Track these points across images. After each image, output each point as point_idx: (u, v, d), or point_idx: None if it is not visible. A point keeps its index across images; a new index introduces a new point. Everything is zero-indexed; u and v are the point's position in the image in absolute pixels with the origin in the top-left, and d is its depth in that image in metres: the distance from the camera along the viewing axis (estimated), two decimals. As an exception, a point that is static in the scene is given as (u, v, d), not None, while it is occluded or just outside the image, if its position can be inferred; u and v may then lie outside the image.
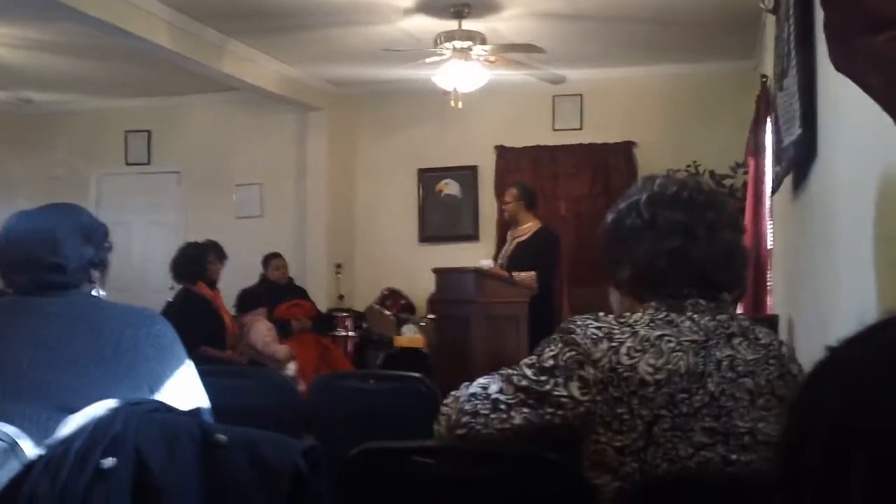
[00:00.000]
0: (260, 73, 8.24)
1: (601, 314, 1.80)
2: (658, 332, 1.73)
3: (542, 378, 1.75)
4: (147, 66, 8.16)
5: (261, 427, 1.94)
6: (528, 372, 1.78)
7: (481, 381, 1.89)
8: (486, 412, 1.81)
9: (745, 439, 1.68)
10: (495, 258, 7.50)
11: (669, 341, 1.71)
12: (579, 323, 1.78)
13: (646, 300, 1.83)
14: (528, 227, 6.89)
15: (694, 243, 1.81)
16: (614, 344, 1.72)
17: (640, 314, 1.78)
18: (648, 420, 1.68)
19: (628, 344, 1.72)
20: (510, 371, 1.83)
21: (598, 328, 1.75)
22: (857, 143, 2.30)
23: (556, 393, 1.74)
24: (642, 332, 1.73)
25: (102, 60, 8.24)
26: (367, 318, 8.88)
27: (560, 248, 6.95)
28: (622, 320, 1.77)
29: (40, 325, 2.12)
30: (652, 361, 1.69)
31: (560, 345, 1.77)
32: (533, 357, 1.81)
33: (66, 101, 9.93)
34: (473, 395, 1.86)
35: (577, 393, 1.72)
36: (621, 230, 1.89)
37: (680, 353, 1.70)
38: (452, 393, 1.95)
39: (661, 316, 1.76)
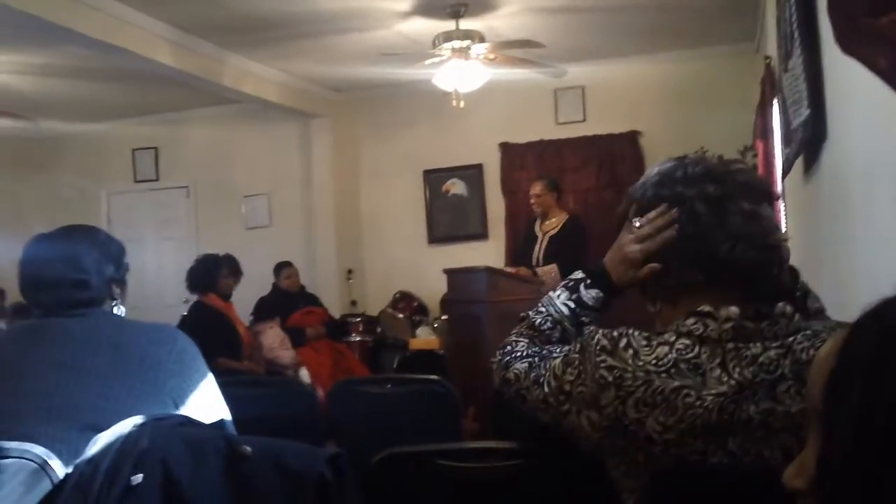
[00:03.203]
0: (260, 84, 8.27)
1: (622, 341, 1.53)
2: (676, 383, 1.46)
3: (561, 398, 1.62)
4: (150, 84, 8.20)
5: (282, 436, 1.95)
6: (553, 384, 1.64)
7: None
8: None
9: None
10: (508, 256, 7.47)
11: (688, 396, 1.46)
12: (594, 358, 1.55)
13: (670, 299, 1.63)
14: (558, 219, 6.95)
15: (694, 220, 1.57)
16: (622, 393, 1.50)
17: (666, 348, 1.50)
18: (654, 475, 1.51)
19: (637, 395, 1.49)
20: (542, 370, 1.69)
21: (609, 369, 1.51)
22: (867, 120, 2.29)
23: (572, 419, 1.61)
24: (657, 383, 1.47)
25: (105, 82, 8.29)
26: (381, 321, 8.87)
27: (588, 237, 6.91)
28: (641, 362, 1.50)
29: (64, 346, 2.13)
30: (662, 419, 1.47)
31: (577, 372, 1.59)
32: (560, 367, 1.64)
33: (72, 123, 9.96)
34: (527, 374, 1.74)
35: (587, 428, 1.57)
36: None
37: (699, 411, 1.45)
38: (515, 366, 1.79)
39: (689, 355, 1.49)
